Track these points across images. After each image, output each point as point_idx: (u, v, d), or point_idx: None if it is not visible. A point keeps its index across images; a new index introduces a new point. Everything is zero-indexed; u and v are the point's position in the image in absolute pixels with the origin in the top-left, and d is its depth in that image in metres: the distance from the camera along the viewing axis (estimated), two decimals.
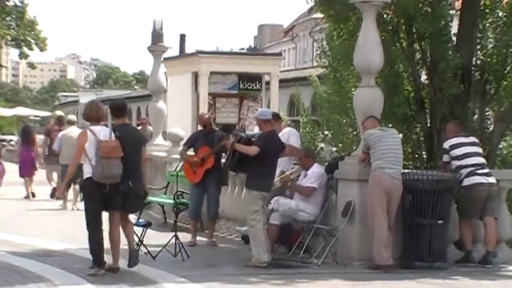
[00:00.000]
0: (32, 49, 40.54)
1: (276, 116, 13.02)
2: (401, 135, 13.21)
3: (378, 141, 11.10)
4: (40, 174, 21.70)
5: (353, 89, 14.82)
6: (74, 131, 17.79)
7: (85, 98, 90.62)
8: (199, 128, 14.06)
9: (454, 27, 14.33)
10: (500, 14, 14.47)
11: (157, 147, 18.40)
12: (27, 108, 67.24)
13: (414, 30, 14.10)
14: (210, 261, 11.77)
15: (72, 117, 21.51)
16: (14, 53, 57.19)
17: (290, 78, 35.21)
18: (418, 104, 14.43)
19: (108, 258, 10.50)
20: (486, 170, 11.50)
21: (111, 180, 10.29)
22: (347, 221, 11.31)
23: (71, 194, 17.31)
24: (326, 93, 19.37)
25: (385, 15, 14.18)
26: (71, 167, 10.86)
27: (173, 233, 11.74)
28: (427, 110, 14.44)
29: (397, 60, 14.35)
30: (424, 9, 13.91)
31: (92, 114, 10.68)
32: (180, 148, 14.62)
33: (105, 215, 10.62)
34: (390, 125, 13.33)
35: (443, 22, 13.87)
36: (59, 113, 22.85)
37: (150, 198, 16.40)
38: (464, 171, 11.35)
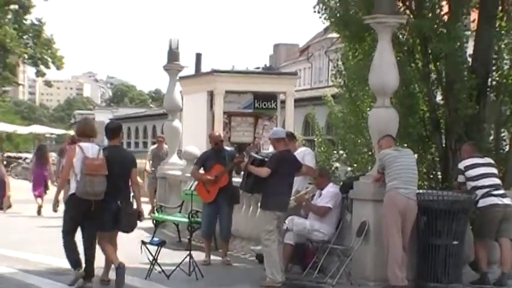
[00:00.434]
0: (48, 67, 40.80)
1: (291, 136, 13.05)
2: (416, 155, 13.19)
3: (393, 162, 11.09)
4: (53, 192, 21.76)
5: (368, 109, 14.82)
6: None
7: (101, 116, 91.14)
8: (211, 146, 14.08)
9: (470, 48, 14.33)
10: None
11: (172, 166, 18.46)
12: (43, 126, 67.58)
13: (429, 51, 14.09)
14: (223, 281, 11.76)
15: None
16: (30, 71, 57.51)
17: (305, 98, 35.23)
18: (433, 124, 14.41)
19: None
20: (502, 191, 11.46)
21: (93, 197, 10.53)
22: (362, 241, 11.29)
23: None
24: (341, 113, 19.36)
25: (400, 36, 14.19)
26: (59, 182, 11.08)
27: (187, 252, 11.75)
28: (442, 131, 14.40)
29: (413, 80, 14.34)
30: (440, 30, 13.91)
31: (84, 131, 10.99)
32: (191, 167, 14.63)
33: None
34: (405, 145, 13.31)
35: (458, 43, 13.86)
36: (72, 132, 23.02)
37: (165, 216, 16.54)
38: (479, 192, 11.32)
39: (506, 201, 11.36)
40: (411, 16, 14.02)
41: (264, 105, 20.70)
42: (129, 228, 11.05)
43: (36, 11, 38.97)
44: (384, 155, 11.16)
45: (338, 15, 14.66)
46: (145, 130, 73.59)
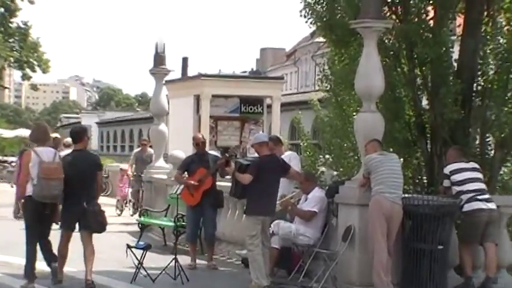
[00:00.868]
0: (34, 71, 40.58)
1: (277, 140, 13.06)
2: (402, 160, 13.22)
3: (379, 166, 11.10)
4: None
5: (354, 114, 14.85)
6: None
7: (87, 120, 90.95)
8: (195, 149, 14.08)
9: (455, 53, 14.39)
10: (501, 40, 14.53)
11: (158, 170, 18.45)
12: (29, 129, 67.37)
13: (415, 56, 14.13)
14: (209, 285, 11.76)
15: (69, 140, 21.51)
16: (16, 74, 57.30)
17: (292, 102, 35.30)
18: (418, 129, 14.45)
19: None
20: (487, 196, 11.49)
21: (49, 200, 10.90)
22: (347, 245, 11.29)
23: None
24: (327, 117, 19.40)
25: (386, 41, 14.23)
26: (18, 187, 11.45)
27: (173, 256, 11.74)
28: (427, 135, 14.45)
29: (398, 85, 14.39)
30: (425, 35, 13.96)
31: (38, 136, 11.34)
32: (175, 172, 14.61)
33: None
34: (391, 150, 13.35)
35: (444, 48, 13.91)
36: (54, 134, 22.94)
37: (150, 220, 16.52)
38: (464, 197, 11.34)
39: (491, 205, 11.39)
40: (397, 21, 14.07)
41: (251, 109, 20.74)
42: (99, 227, 11.19)
43: (22, 14, 38.86)
44: (370, 160, 11.18)
45: (324, 19, 14.71)
46: (131, 134, 73.52)
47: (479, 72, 14.39)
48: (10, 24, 39.17)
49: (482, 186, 11.63)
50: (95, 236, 11.25)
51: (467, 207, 11.33)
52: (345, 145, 17.45)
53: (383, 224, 10.92)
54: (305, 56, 73.61)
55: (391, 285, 10.94)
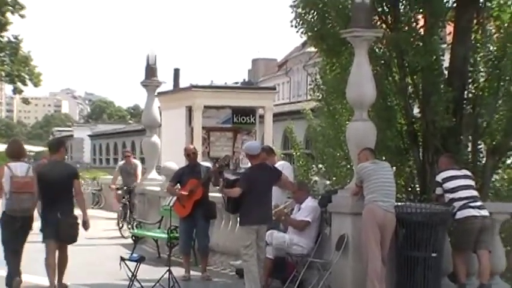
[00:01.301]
0: (26, 84, 40.53)
1: (270, 150, 13.06)
2: (394, 168, 13.25)
3: (371, 175, 11.11)
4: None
5: (347, 123, 14.88)
6: None
7: (80, 133, 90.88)
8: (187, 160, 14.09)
9: (446, 61, 14.45)
10: (491, 48, 14.60)
11: (151, 182, 18.42)
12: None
13: (406, 64, 14.19)
14: None
15: None
16: (8, 88, 57.24)
17: (284, 112, 35.32)
18: (410, 137, 14.49)
19: None
20: (479, 203, 11.50)
21: (20, 214, 11.16)
22: (341, 254, 11.29)
23: None
24: (320, 127, 19.46)
25: (377, 50, 14.29)
26: None
27: (167, 268, 11.72)
28: (420, 143, 14.49)
29: (390, 93, 14.45)
30: (416, 44, 14.03)
31: (13, 152, 11.67)
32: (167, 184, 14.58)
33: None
34: (383, 158, 13.37)
35: (434, 56, 13.98)
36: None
37: (144, 232, 16.50)
38: (457, 204, 11.35)
39: (483, 212, 11.40)
40: (387, 30, 14.13)
41: (243, 119, 20.75)
42: (68, 238, 11.49)
43: (13, 28, 38.80)
44: (362, 168, 11.20)
45: (315, 29, 14.75)
46: (124, 146, 73.32)
47: (470, 80, 14.47)
48: (1, 39, 39.14)
49: (475, 193, 11.64)
50: (89, 248, 11.32)
51: (460, 215, 11.34)
52: (338, 154, 17.49)
53: (376, 232, 10.92)
54: (297, 65, 73.67)
55: None
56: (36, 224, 11.61)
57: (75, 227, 11.49)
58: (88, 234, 12.74)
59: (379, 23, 14.16)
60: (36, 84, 41.15)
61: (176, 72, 25.40)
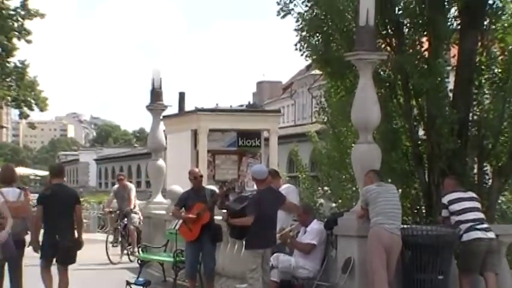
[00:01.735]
0: (32, 109, 40.54)
1: (275, 173, 13.07)
2: (400, 190, 13.23)
3: (377, 197, 11.11)
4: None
5: (352, 145, 14.88)
6: None
7: (85, 157, 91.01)
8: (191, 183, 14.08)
9: (451, 84, 14.46)
10: (496, 70, 14.62)
11: (157, 205, 18.42)
12: (28, 168, 67.27)
13: (411, 87, 14.20)
14: None
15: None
16: (14, 113, 57.39)
17: (289, 135, 35.36)
18: (416, 159, 14.47)
19: None
20: (485, 225, 11.49)
21: (12, 238, 11.30)
22: (347, 277, 11.26)
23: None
24: (325, 149, 19.45)
25: (381, 72, 14.31)
26: None
27: None
28: (425, 165, 14.47)
29: (395, 116, 14.44)
30: (420, 66, 14.04)
31: (5, 177, 11.96)
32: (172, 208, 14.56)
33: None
34: (389, 181, 13.35)
35: (439, 78, 13.98)
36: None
37: (149, 256, 16.48)
38: (463, 227, 11.34)
39: (490, 235, 11.38)
40: (392, 52, 14.15)
41: (248, 142, 20.77)
42: (67, 260, 11.73)
43: (20, 53, 38.93)
44: (367, 191, 11.19)
45: (320, 52, 14.77)
46: (129, 170, 73.45)
47: (475, 102, 14.46)
48: (7, 64, 39.26)
49: (481, 215, 11.63)
50: (94, 272, 11.30)
51: (466, 237, 11.32)
52: (343, 177, 17.47)
53: (382, 255, 10.90)
54: (302, 88, 73.80)
55: None
56: (29, 249, 11.75)
57: (73, 249, 11.70)
58: (93, 258, 12.78)
59: (383, 45, 14.19)
60: (42, 109, 41.20)
61: (181, 95, 25.41)
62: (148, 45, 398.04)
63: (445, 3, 14.30)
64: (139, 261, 16.67)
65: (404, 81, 14.28)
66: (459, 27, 14.54)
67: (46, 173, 59.23)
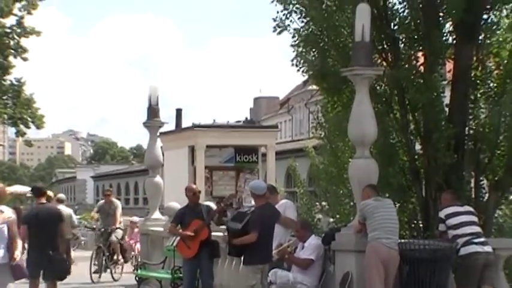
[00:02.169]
0: (28, 127, 40.51)
1: (272, 189, 13.10)
2: (397, 205, 13.25)
3: (374, 212, 11.13)
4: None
5: (349, 160, 14.90)
6: (62, 210, 17.68)
7: (82, 174, 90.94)
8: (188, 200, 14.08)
9: (447, 98, 14.51)
10: (491, 84, 14.68)
11: (155, 222, 18.41)
12: (25, 186, 67.14)
13: (407, 102, 14.26)
14: None
15: (61, 196, 21.49)
16: (10, 131, 57.31)
17: (287, 150, 35.41)
18: (413, 174, 14.51)
19: None
20: (482, 239, 11.50)
21: None
22: None
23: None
24: (323, 164, 19.47)
25: (378, 87, 14.37)
26: None
27: None
28: (422, 180, 14.51)
29: (391, 130, 14.48)
30: (416, 81, 14.10)
31: None
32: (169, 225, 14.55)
33: None
34: (386, 195, 13.38)
35: (435, 93, 14.03)
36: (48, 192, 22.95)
37: (147, 273, 16.47)
38: (460, 241, 11.35)
39: (487, 248, 11.39)
40: (388, 67, 14.21)
41: (245, 158, 20.81)
42: (63, 273, 12.33)
43: (16, 71, 38.86)
44: (365, 206, 11.22)
45: (316, 68, 14.84)
46: (127, 187, 73.47)
47: (471, 116, 14.51)
48: (3, 82, 39.28)
49: (478, 229, 11.64)
50: None
51: (463, 251, 11.33)
52: (341, 192, 17.48)
53: (380, 269, 10.91)
54: (299, 104, 73.85)
55: None
56: None
57: (64, 263, 12.31)
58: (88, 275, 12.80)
59: (379, 60, 14.26)
60: (38, 127, 41.18)
61: (178, 112, 25.44)
62: (146, 62, 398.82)
63: (440, 19, 14.37)
64: (137, 278, 16.67)
65: (400, 96, 14.34)
66: (454, 42, 14.62)
67: None
